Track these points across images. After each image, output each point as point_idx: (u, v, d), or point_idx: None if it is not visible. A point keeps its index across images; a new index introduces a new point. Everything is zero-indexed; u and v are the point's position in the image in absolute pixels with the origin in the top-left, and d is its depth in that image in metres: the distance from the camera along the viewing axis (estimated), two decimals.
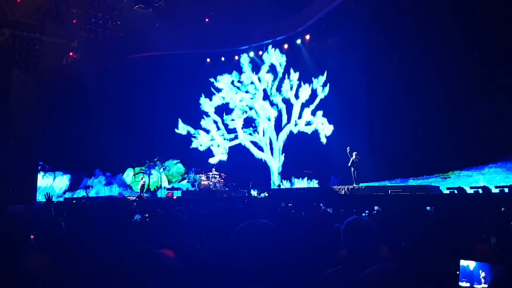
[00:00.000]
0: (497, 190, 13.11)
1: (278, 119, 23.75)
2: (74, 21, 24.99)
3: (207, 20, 25.47)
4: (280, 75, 23.70)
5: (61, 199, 23.95)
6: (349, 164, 17.78)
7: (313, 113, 22.65)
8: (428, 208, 7.14)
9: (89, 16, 24.19)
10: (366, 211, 8.48)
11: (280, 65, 23.70)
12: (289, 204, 10.99)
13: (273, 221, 1.89)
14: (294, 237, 2.97)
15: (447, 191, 14.08)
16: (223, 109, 24.63)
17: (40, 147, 23.60)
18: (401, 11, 18.45)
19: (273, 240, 1.79)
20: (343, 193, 16.45)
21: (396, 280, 1.53)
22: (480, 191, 12.86)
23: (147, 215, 7.44)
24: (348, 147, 18.01)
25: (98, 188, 26.16)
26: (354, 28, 20.24)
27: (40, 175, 25.29)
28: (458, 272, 2.56)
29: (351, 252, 2.66)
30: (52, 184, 26.24)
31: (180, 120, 25.10)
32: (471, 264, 2.57)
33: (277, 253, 1.76)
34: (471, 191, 13.21)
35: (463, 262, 2.58)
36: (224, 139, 24.75)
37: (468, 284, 2.53)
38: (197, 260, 2.15)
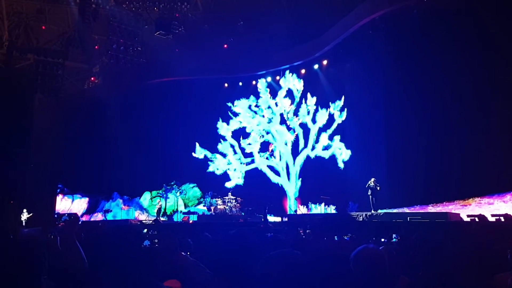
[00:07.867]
0: None
1: (295, 144, 23.68)
2: (96, 47, 25.69)
3: (225, 46, 25.88)
4: (297, 99, 23.74)
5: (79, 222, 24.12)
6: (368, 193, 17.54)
7: (331, 137, 22.52)
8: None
9: (111, 42, 24.83)
10: (385, 239, 8.29)
11: (297, 90, 23.75)
12: (307, 231, 10.84)
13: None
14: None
15: (468, 219, 13.72)
16: (240, 133, 24.72)
17: (59, 169, 23.94)
18: (418, 36, 18.44)
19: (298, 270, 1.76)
20: (361, 219, 16.16)
21: None
22: (502, 219, 12.54)
23: (156, 240, 7.46)
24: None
25: (116, 211, 26.30)
26: (371, 54, 20.29)
27: (58, 198, 25.57)
28: None
29: (363, 282, 2.57)
30: (70, 206, 26.49)
31: (197, 144, 25.23)
32: None
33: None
34: (493, 219, 12.88)
35: None
36: (241, 163, 24.74)
37: None
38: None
